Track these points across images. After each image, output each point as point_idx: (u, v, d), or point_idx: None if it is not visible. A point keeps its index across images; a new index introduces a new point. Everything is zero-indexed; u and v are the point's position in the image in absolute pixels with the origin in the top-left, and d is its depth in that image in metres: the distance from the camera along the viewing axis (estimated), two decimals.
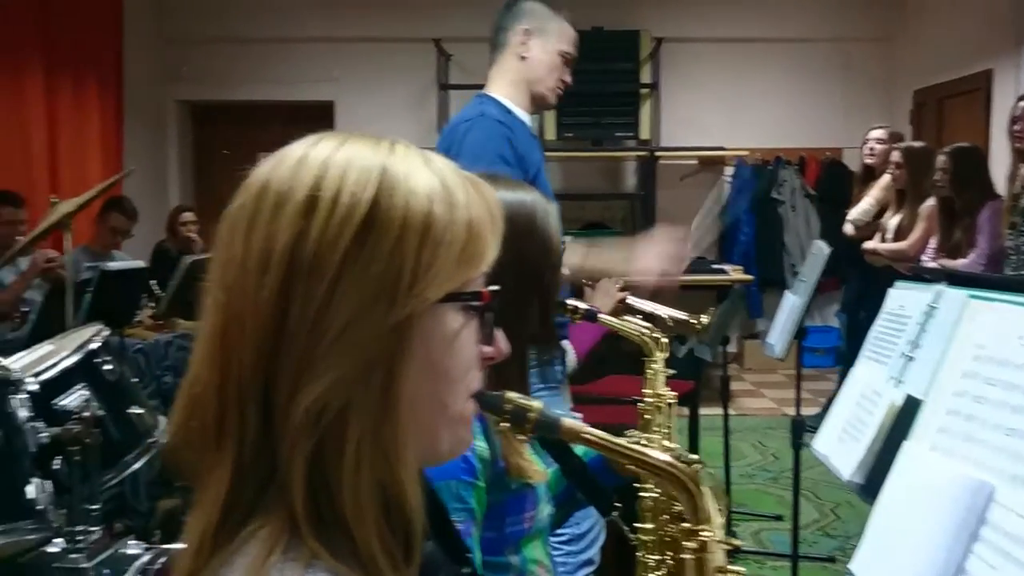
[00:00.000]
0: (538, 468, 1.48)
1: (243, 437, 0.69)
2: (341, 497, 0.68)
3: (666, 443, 1.53)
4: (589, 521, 2.27)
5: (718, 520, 0.90)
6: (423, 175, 0.72)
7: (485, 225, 0.74)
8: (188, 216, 5.76)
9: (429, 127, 6.96)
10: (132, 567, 2.06)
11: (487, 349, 0.78)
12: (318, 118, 7.19)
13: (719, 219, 7.46)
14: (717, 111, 7.48)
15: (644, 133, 7.20)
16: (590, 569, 2.31)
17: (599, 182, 7.58)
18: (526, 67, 2.47)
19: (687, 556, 0.89)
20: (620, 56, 6.98)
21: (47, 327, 3.78)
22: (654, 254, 2.43)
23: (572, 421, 0.89)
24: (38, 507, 1.91)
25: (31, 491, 1.91)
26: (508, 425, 0.86)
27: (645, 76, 7.17)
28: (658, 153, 7.20)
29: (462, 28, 6.87)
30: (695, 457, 0.90)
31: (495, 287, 0.75)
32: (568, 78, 2.54)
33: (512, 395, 0.86)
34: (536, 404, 0.87)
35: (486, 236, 0.74)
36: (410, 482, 0.70)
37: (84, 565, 2.04)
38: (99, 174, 5.96)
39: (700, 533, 0.89)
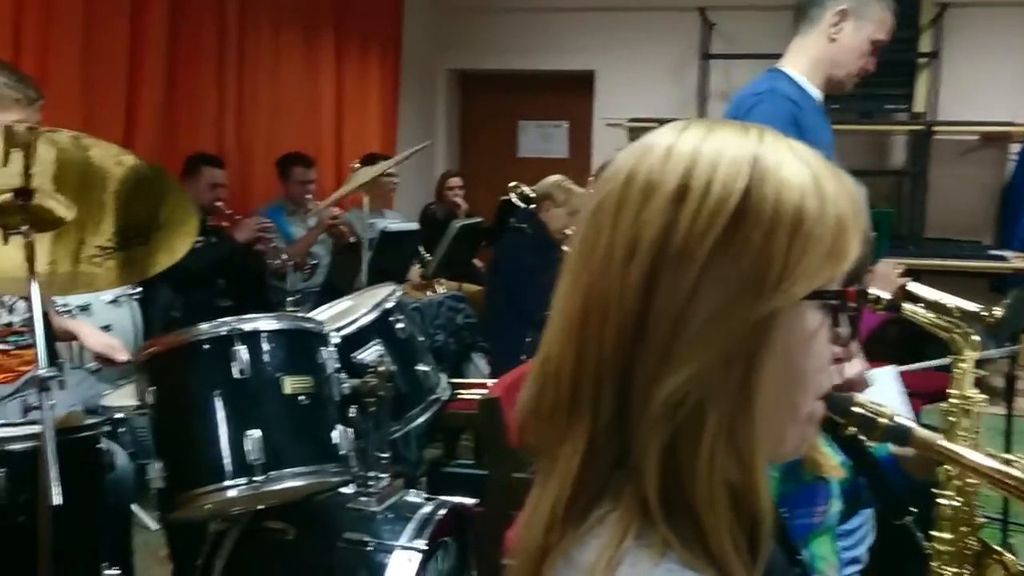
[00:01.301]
0: (835, 463, 1.43)
1: (597, 418, 0.71)
2: (694, 489, 0.68)
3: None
4: (859, 518, 2.19)
5: None
6: (794, 166, 0.70)
7: (851, 220, 0.71)
8: (455, 181, 6.01)
9: (688, 97, 6.85)
10: (415, 515, 2.17)
11: (838, 350, 0.76)
12: (578, 88, 7.26)
13: None
14: (1006, 82, 6.83)
15: (919, 106, 6.71)
16: (856, 568, 2.22)
17: (864, 157, 7.16)
18: (832, 49, 2.36)
19: None
20: (897, 23, 6.51)
21: (337, 280, 4.11)
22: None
23: (925, 432, 0.85)
24: (341, 452, 2.07)
25: (335, 436, 2.07)
26: (855, 430, 0.84)
27: (924, 44, 6.66)
28: (934, 127, 6.71)
29: None
30: None
31: (860, 286, 0.73)
32: (872, 67, 2.41)
33: (862, 399, 0.83)
34: (886, 411, 0.84)
35: (851, 232, 0.71)
36: (762, 479, 0.70)
37: (374, 509, 2.18)
38: (377, 138, 6.34)
39: None
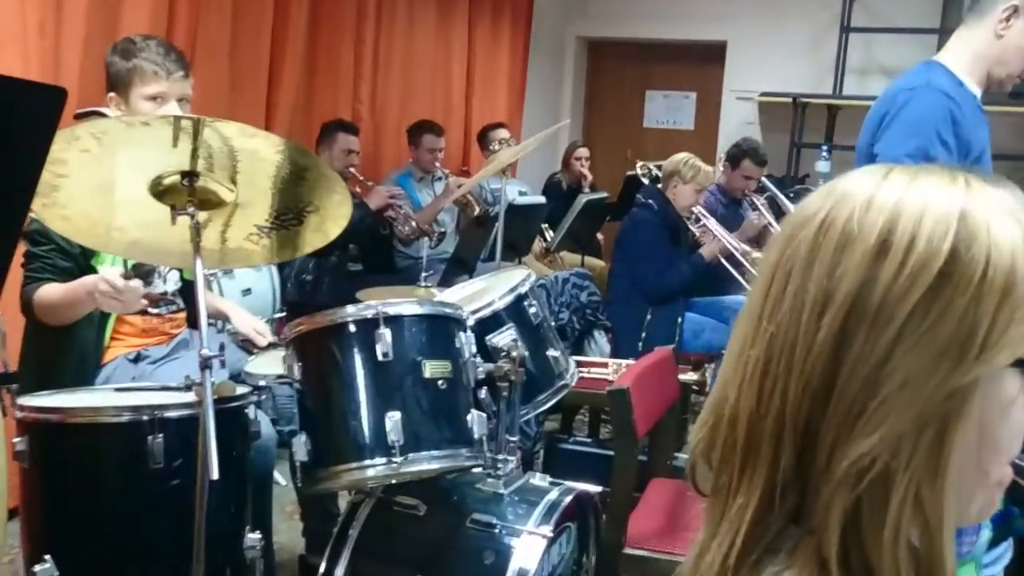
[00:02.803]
0: None
1: (774, 472, 0.69)
2: (877, 555, 0.66)
3: None
4: None
5: None
6: (1006, 223, 0.66)
7: None
8: (582, 152, 5.96)
9: (826, 72, 6.60)
10: (542, 500, 2.20)
11: None
12: (708, 58, 7.11)
13: None
14: None
15: None
16: None
17: (1013, 141, 6.80)
18: (998, 46, 2.24)
19: None
20: None
21: (463, 252, 4.16)
22: None
23: None
24: (474, 436, 2.10)
25: (470, 420, 2.11)
26: None
27: None
28: None
29: None
30: None
31: None
32: None
33: None
34: None
35: None
36: (948, 545, 0.67)
37: (501, 491, 2.22)
38: (504, 107, 6.35)
39: None
